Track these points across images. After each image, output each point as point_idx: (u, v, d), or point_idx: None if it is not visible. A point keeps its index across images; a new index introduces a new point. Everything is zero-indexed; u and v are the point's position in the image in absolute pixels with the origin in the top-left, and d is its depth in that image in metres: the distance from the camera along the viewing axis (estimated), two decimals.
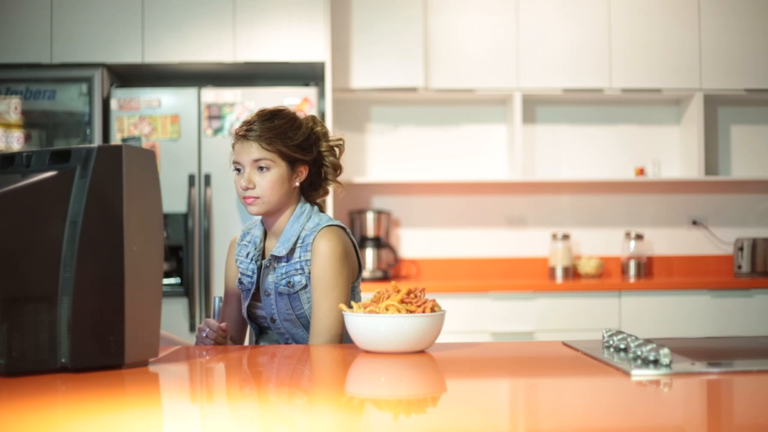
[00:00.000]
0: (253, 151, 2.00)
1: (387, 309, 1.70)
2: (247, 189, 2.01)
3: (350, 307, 1.79)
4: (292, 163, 2.04)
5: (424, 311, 1.71)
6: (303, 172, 2.07)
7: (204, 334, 2.00)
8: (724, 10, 4.53)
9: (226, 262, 2.21)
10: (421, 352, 1.75)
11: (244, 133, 2.02)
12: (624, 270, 4.69)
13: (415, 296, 1.74)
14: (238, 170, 2.04)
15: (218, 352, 1.87)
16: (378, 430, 1.18)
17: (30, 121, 4.01)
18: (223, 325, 1.99)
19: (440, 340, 1.88)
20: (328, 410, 1.27)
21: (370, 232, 4.58)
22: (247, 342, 2.26)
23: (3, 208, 1.46)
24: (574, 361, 1.64)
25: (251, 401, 1.36)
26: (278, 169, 2.01)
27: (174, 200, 4.02)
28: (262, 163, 2.00)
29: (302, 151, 2.04)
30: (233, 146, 2.05)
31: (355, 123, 4.77)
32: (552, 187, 4.81)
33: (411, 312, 1.70)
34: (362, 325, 1.72)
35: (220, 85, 4.23)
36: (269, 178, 2.00)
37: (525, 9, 4.49)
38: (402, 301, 1.72)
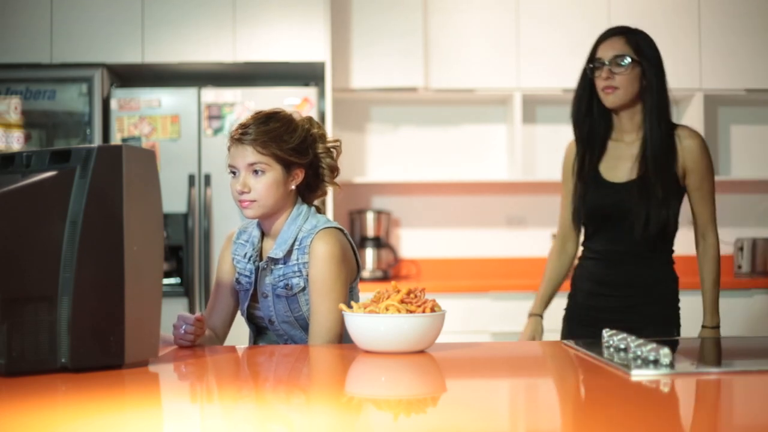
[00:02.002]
0: (248, 154, 1.99)
1: (387, 309, 1.70)
2: (242, 193, 2.00)
3: (350, 307, 1.79)
4: (288, 167, 2.02)
5: (424, 311, 1.71)
6: (299, 175, 2.06)
7: (182, 331, 1.91)
8: (724, 11, 4.53)
9: (221, 255, 2.20)
10: (421, 352, 1.75)
11: (239, 137, 2.00)
12: None
13: (415, 296, 1.74)
14: (234, 173, 2.03)
15: (218, 353, 1.87)
16: (378, 430, 1.18)
17: (30, 121, 4.01)
18: (198, 314, 1.92)
19: (440, 340, 1.88)
20: (329, 410, 1.27)
21: (370, 232, 4.58)
22: (246, 342, 2.26)
23: (3, 208, 1.45)
24: (574, 361, 1.64)
25: (251, 401, 1.36)
26: (273, 172, 2.00)
27: (174, 200, 4.02)
28: (257, 167, 1.99)
29: (298, 154, 2.03)
30: (228, 149, 2.04)
31: (355, 123, 4.77)
32: (552, 187, 4.81)
33: (411, 312, 1.70)
34: (362, 325, 1.72)
35: (220, 85, 4.23)
36: (264, 182, 1.99)
37: (525, 9, 4.49)
38: (402, 301, 1.72)
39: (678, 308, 2.46)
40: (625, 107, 2.42)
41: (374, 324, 1.70)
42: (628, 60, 2.36)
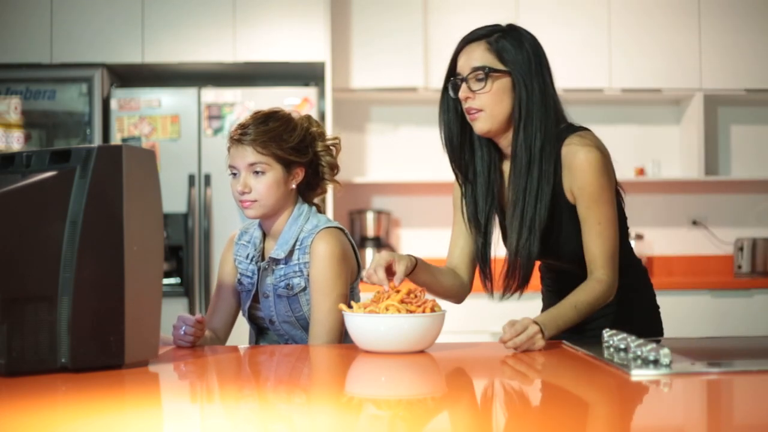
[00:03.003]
0: (248, 155, 1.99)
1: (387, 309, 1.70)
2: (243, 193, 2.00)
3: (350, 307, 1.79)
4: (288, 166, 2.02)
5: (424, 311, 1.70)
6: (299, 174, 2.06)
7: (182, 332, 1.90)
8: (724, 10, 4.53)
9: (222, 256, 2.20)
10: (421, 352, 1.74)
11: (239, 137, 2.00)
12: None
13: (415, 296, 1.74)
14: (234, 174, 2.03)
15: (218, 353, 1.87)
16: (378, 430, 1.18)
17: (30, 121, 4.01)
18: (198, 316, 1.91)
19: (440, 340, 1.87)
20: (329, 410, 1.27)
21: (370, 232, 4.58)
22: (246, 343, 2.26)
23: (3, 208, 1.45)
24: (574, 361, 1.64)
25: (251, 401, 1.36)
26: (273, 172, 2.00)
27: (174, 200, 4.02)
28: (257, 167, 1.99)
29: (297, 153, 2.03)
30: (228, 150, 2.04)
31: (355, 123, 4.77)
32: None
33: (411, 312, 1.70)
34: (362, 325, 1.72)
35: (220, 85, 4.23)
36: (265, 182, 1.99)
37: (525, 9, 4.49)
38: (402, 301, 1.72)
39: (652, 312, 2.12)
40: (502, 131, 1.88)
41: (374, 324, 1.70)
42: (487, 71, 1.84)
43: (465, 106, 1.88)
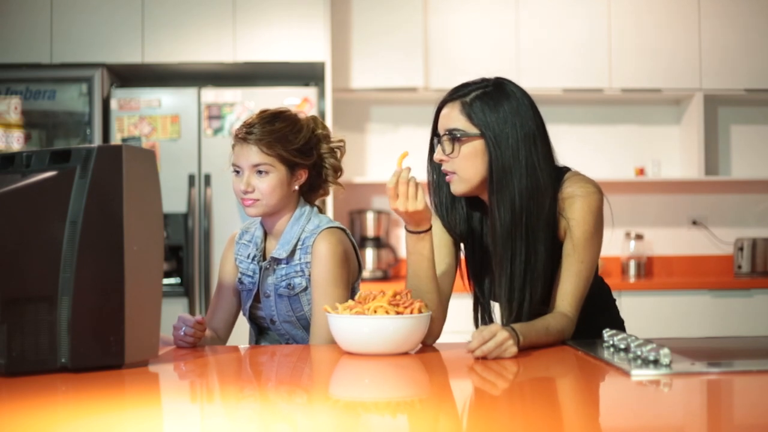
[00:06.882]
0: (253, 154, 1.99)
1: (375, 311, 1.68)
2: (246, 192, 2.00)
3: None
4: (292, 167, 2.03)
5: (412, 312, 1.68)
6: (302, 176, 2.06)
7: (182, 332, 1.91)
8: (724, 10, 4.53)
9: (223, 256, 2.20)
10: (409, 353, 1.74)
11: (244, 136, 2.00)
12: (624, 270, 4.68)
13: (401, 298, 1.72)
14: (237, 172, 2.03)
15: (218, 353, 1.87)
16: (380, 429, 1.18)
17: (30, 121, 4.01)
18: (199, 317, 1.91)
19: (440, 340, 1.88)
20: (329, 410, 1.27)
21: (370, 232, 4.58)
22: (247, 342, 2.26)
23: (3, 208, 1.45)
24: (574, 361, 1.64)
25: (251, 401, 1.36)
26: (277, 173, 2.00)
27: (174, 200, 4.02)
28: (261, 167, 1.99)
29: (302, 155, 2.03)
30: (233, 147, 2.04)
31: (355, 123, 4.77)
32: None
33: (400, 313, 1.68)
34: (345, 326, 1.70)
35: (220, 85, 4.23)
36: (268, 182, 1.99)
37: (525, 9, 4.49)
38: (389, 303, 1.70)
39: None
40: (484, 190, 1.83)
41: (357, 326, 1.67)
42: (455, 136, 1.79)
43: (441, 168, 1.84)
